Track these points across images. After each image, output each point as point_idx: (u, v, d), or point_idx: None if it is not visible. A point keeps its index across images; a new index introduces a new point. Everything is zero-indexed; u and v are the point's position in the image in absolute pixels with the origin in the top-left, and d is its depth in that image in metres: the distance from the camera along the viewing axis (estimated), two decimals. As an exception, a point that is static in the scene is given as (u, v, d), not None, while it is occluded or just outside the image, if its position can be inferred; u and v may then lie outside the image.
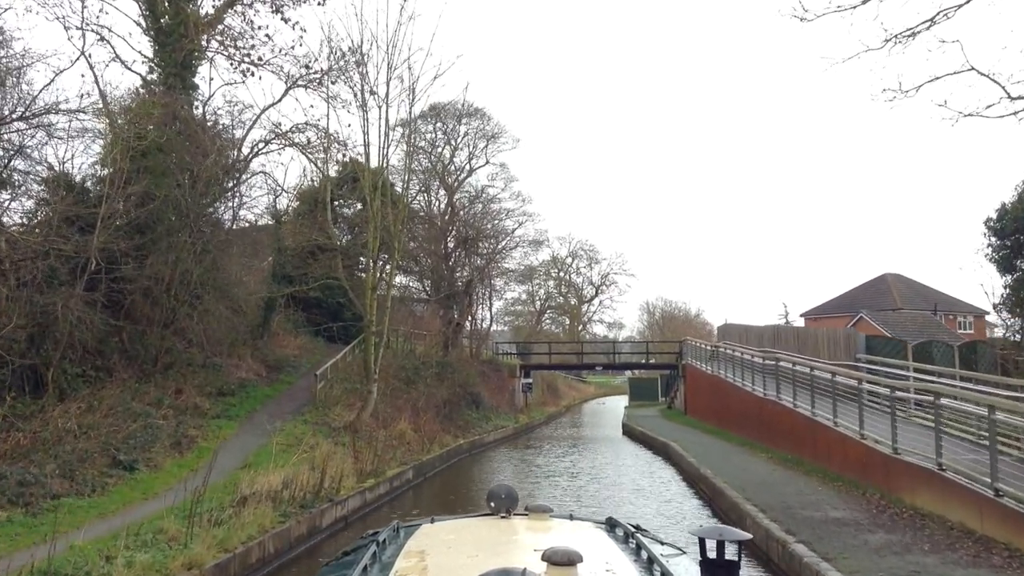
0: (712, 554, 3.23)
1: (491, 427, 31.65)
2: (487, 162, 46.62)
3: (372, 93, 23.33)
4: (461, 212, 44.23)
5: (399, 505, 16.56)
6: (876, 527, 10.97)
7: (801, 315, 59.85)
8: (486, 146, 46.62)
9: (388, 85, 21.69)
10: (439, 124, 44.53)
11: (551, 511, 4.54)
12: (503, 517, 4.48)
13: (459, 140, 46.00)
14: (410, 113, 21.70)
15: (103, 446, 15.58)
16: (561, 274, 75.05)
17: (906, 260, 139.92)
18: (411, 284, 40.68)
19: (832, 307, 56.94)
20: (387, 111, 21.79)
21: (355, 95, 23.06)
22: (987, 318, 59.33)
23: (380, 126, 21.88)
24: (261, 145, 28.26)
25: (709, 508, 15.58)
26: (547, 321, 77.03)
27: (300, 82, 27.83)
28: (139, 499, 13.55)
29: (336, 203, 35.77)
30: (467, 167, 46.45)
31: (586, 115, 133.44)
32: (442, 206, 44.74)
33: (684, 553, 4.10)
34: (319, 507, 12.81)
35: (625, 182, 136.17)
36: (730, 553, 3.26)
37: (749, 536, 3.47)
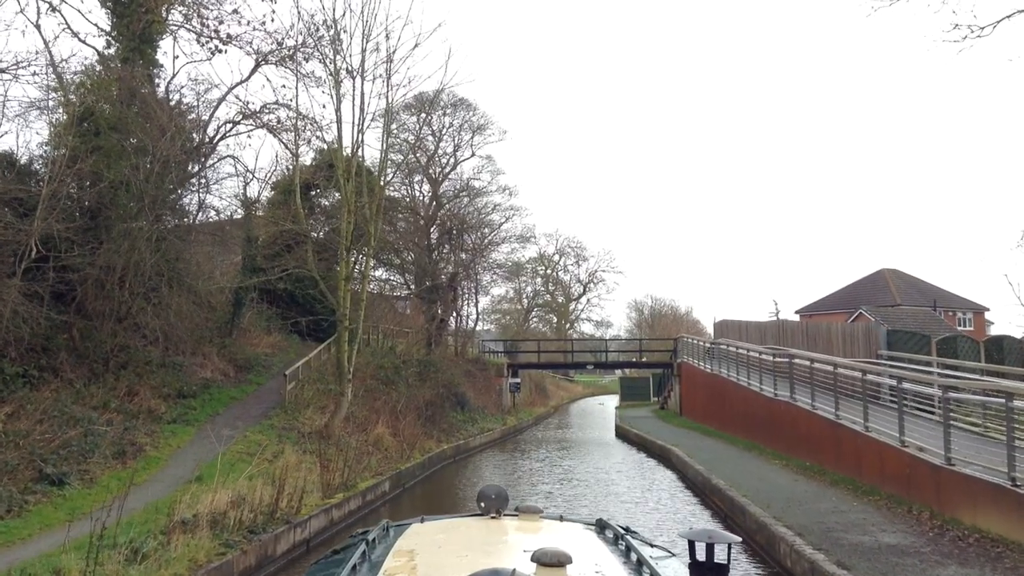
0: (702, 557, 3.26)
1: (477, 430, 29.65)
2: (473, 154, 44.72)
3: (348, 71, 21.24)
4: (446, 204, 42.28)
5: (372, 524, 14.55)
6: (944, 557, 9.06)
7: (796, 312, 58.34)
8: (471, 137, 44.75)
9: (364, 54, 19.59)
10: (423, 115, 42.60)
11: (541, 512, 4.50)
12: (493, 517, 4.45)
13: (444, 131, 44.11)
14: (387, 84, 19.61)
15: (29, 457, 13.49)
16: (548, 271, 73.49)
17: (896, 255, 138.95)
18: (392, 277, 38.62)
19: (828, 303, 55.44)
20: (363, 84, 19.71)
21: (328, 70, 20.95)
22: (986, 315, 58.08)
23: (354, 98, 19.62)
24: (228, 127, 26.21)
25: (726, 526, 13.63)
26: (534, 319, 75.47)
27: (271, 58, 25.75)
28: (61, 521, 11.44)
29: (313, 192, 33.77)
30: (452, 159, 44.52)
31: (572, 109, 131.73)
32: (426, 200, 42.79)
33: (674, 556, 4.09)
34: (273, 531, 10.75)
35: (613, 178, 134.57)
36: (719, 556, 3.24)
37: (739, 539, 3.67)
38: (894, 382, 13.41)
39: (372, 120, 21.32)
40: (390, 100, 19.57)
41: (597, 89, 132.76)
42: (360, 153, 20.17)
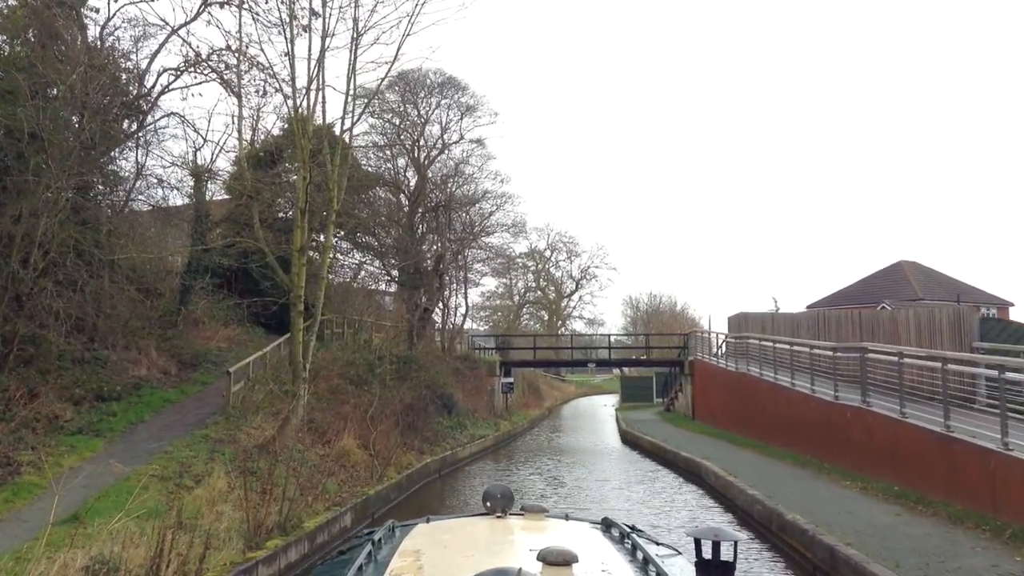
0: (708, 555, 3.20)
1: (467, 437, 25.58)
2: (462, 138, 40.54)
3: (314, 13, 17.14)
4: (433, 190, 38.18)
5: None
6: None
7: (807, 307, 54.52)
8: (461, 119, 40.62)
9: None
10: (408, 95, 38.52)
11: (547, 511, 4.41)
12: (499, 517, 4.36)
13: (430, 111, 39.98)
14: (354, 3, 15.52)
15: None
16: (539, 267, 69.79)
17: (900, 249, 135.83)
18: (366, 260, 34.41)
19: (843, 297, 51.72)
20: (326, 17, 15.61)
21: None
22: (1011, 310, 54.49)
23: (312, 24, 15.51)
24: (172, 77, 22.04)
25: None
26: (525, 316, 71.74)
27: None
28: None
29: (281, 169, 29.76)
30: (440, 142, 40.39)
31: (564, 101, 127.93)
32: (411, 184, 38.71)
33: (680, 554, 3.98)
34: (141, 622, 6.68)
35: (606, 172, 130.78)
36: (725, 554, 3.14)
37: (746, 537, 4.29)
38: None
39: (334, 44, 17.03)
40: (357, 20, 15.48)
41: (590, 80, 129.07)
42: (320, 95, 16.00)
